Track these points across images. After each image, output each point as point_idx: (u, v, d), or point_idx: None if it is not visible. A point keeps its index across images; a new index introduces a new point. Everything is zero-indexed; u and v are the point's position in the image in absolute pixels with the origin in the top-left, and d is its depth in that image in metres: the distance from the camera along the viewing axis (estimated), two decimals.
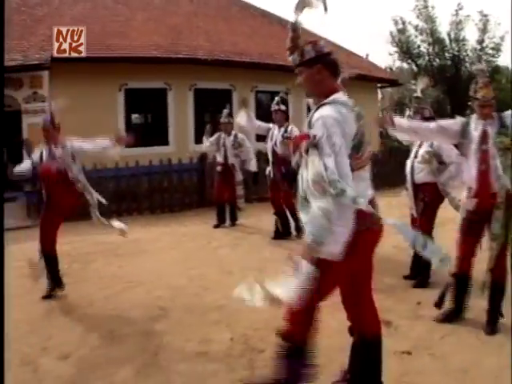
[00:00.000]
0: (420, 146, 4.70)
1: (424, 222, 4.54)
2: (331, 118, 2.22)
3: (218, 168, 8.05)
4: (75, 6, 14.79)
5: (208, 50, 13.62)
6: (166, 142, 12.95)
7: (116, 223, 4.86)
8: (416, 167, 4.68)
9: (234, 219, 8.16)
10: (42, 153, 4.75)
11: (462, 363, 2.99)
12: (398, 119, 3.86)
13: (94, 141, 4.78)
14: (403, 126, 3.84)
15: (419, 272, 4.65)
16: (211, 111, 14.92)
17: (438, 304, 3.78)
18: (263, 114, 15.47)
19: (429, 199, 4.58)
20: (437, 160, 4.56)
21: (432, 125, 3.81)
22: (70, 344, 3.66)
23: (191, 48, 13.51)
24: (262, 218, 8.00)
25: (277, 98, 7.06)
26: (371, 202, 2.38)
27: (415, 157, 4.71)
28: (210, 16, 16.10)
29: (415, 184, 4.67)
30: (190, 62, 13.02)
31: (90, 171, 9.78)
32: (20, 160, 11.43)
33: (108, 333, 3.85)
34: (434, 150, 4.54)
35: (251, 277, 2.73)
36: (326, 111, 2.26)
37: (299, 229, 6.28)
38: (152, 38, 13.58)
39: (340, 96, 2.35)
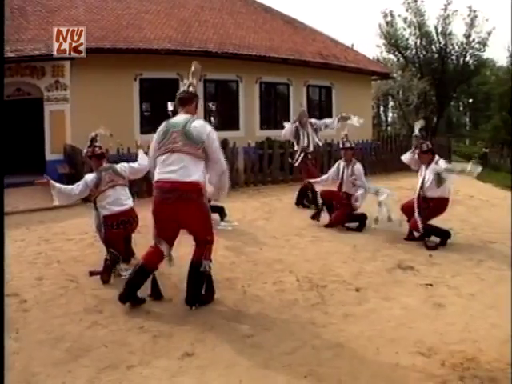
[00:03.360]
0: None
1: None
2: None
3: None
4: None
5: (217, 43, 14.49)
6: None
7: None
8: None
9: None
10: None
11: (469, 291, 4.31)
12: None
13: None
14: None
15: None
16: (221, 100, 16.09)
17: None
18: (266, 102, 16.75)
19: None
20: None
21: None
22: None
23: (202, 41, 14.36)
24: (282, 198, 9.31)
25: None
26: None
27: None
28: (216, 10, 16.91)
29: None
30: (201, 54, 13.66)
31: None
32: (40, 148, 12.29)
33: None
34: None
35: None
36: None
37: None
38: (164, 30, 14.36)
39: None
